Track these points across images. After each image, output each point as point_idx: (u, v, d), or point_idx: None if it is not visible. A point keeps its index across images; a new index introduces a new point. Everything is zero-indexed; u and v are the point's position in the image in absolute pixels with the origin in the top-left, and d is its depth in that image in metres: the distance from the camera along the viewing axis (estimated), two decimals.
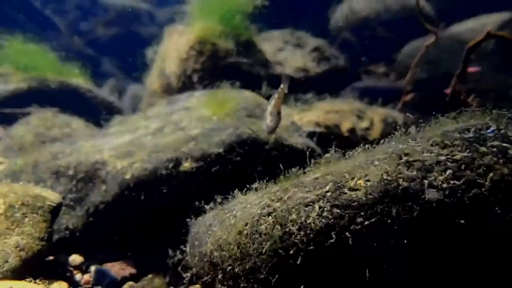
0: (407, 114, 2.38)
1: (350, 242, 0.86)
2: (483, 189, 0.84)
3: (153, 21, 7.06)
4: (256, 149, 1.54)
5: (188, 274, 1.21)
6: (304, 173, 1.12)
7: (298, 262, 0.89)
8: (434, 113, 1.16)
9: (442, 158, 0.89)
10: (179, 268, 1.27)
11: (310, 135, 1.82)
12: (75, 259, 1.46)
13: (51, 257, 1.43)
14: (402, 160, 0.91)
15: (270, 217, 0.97)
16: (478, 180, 0.85)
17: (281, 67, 2.76)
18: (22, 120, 2.40)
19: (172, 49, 2.57)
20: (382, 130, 1.93)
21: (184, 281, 1.23)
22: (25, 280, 1.19)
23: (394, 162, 0.91)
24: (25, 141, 2.12)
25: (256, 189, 1.18)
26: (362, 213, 0.87)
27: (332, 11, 4.64)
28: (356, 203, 0.88)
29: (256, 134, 1.56)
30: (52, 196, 1.40)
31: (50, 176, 1.63)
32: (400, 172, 0.89)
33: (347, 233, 0.86)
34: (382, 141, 1.08)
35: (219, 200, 1.25)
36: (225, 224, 1.09)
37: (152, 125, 1.76)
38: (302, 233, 0.90)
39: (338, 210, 0.89)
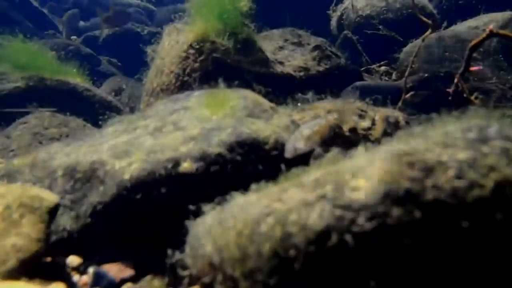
0: (409, 113, 2.37)
1: (350, 243, 0.85)
2: (486, 189, 0.83)
3: (152, 20, 7.06)
4: (256, 149, 1.53)
5: (187, 275, 1.19)
6: (305, 173, 1.10)
7: (298, 263, 0.88)
8: (436, 112, 1.14)
9: (444, 158, 0.88)
10: (178, 269, 1.26)
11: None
12: (73, 260, 1.45)
13: (48, 258, 1.42)
14: (404, 160, 0.90)
15: (270, 218, 0.96)
16: (480, 181, 0.84)
17: (281, 66, 2.75)
18: (20, 120, 2.40)
19: (171, 48, 2.56)
20: (384, 130, 1.92)
21: (183, 282, 1.22)
22: (23, 281, 1.18)
23: (395, 162, 0.90)
24: (22, 141, 2.11)
25: (256, 190, 1.16)
26: (363, 214, 0.86)
27: (333, 10, 4.63)
28: (357, 203, 0.87)
29: (256, 134, 1.55)
30: (50, 197, 1.39)
31: (47, 176, 1.61)
32: (401, 172, 0.87)
33: (347, 234, 0.85)
34: (383, 140, 1.07)
35: (218, 200, 1.24)
36: (225, 224, 1.07)
37: (151, 124, 1.74)
38: (302, 234, 0.89)
39: (338, 211, 0.87)
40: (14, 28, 3.32)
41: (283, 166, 1.18)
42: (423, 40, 2.45)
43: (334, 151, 1.11)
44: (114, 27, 5.56)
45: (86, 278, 1.39)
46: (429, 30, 2.36)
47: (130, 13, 5.66)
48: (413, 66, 2.52)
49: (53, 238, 1.46)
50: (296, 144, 1.27)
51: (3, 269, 1.19)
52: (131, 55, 4.88)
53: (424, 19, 2.36)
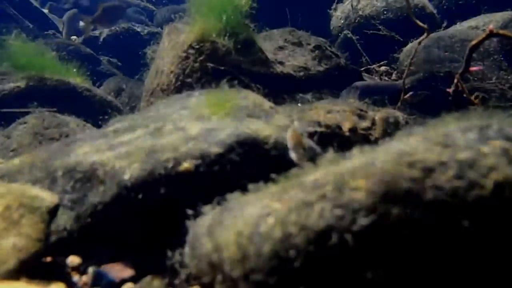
0: (409, 113, 2.37)
1: (350, 243, 0.85)
2: (486, 189, 0.83)
3: (152, 20, 7.06)
4: (256, 149, 1.53)
5: (185, 274, 1.19)
6: (305, 173, 1.10)
7: (298, 263, 0.88)
8: (436, 112, 1.14)
9: (444, 158, 0.88)
10: (178, 270, 1.26)
11: (311, 134, 1.81)
12: (73, 260, 1.45)
13: (48, 258, 1.42)
14: (404, 160, 0.90)
15: (270, 218, 0.96)
16: (480, 181, 0.84)
17: (281, 66, 2.75)
18: (20, 120, 2.40)
19: (171, 48, 2.56)
20: (384, 130, 1.92)
21: (182, 282, 1.22)
22: (23, 281, 1.18)
23: (395, 162, 0.90)
24: (23, 141, 2.11)
25: (256, 189, 1.16)
26: (363, 214, 0.86)
27: (333, 10, 4.63)
28: (357, 203, 0.87)
29: (256, 134, 1.55)
30: (50, 197, 1.39)
31: (47, 176, 1.61)
32: (401, 172, 0.87)
33: (347, 234, 0.85)
34: (383, 140, 1.07)
35: (218, 200, 1.24)
36: (225, 224, 1.07)
37: (151, 124, 1.74)
38: (302, 234, 0.89)
39: (339, 211, 0.87)
40: (14, 28, 3.33)
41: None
42: (419, 43, 2.45)
43: (333, 151, 1.11)
44: (106, 25, 5.50)
45: (86, 278, 1.39)
46: (425, 34, 2.36)
47: (123, 8, 5.57)
48: (410, 67, 2.52)
49: (53, 238, 1.46)
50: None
51: (3, 269, 1.19)
52: (131, 55, 4.87)
53: (419, 23, 2.35)
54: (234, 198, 1.19)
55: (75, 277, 1.40)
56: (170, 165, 1.45)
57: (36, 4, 6.32)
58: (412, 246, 0.83)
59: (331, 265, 0.87)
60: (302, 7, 4.53)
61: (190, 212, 1.29)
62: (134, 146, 1.58)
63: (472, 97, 2.09)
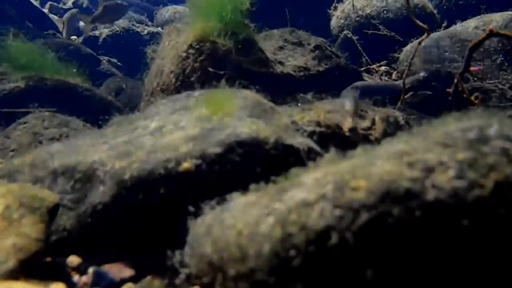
0: (409, 113, 2.37)
1: (351, 243, 0.85)
2: (486, 189, 0.83)
3: (152, 20, 7.06)
4: (256, 149, 1.53)
5: (185, 274, 1.19)
6: (305, 173, 1.10)
7: (298, 263, 0.88)
8: (436, 112, 1.14)
9: (444, 158, 0.88)
10: (178, 270, 1.26)
11: (311, 134, 1.81)
12: (73, 260, 1.45)
13: (48, 258, 1.42)
14: (404, 160, 0.90)
15: (270, 218, 0.96)
16: (480, 181, 0.84)
17: (281, 66, 2.75)
18: (20, 120, 2.39)
19: (171, 48, 2.57)
20: (384, 130, 1.91)
21: (182, 282, 1.22)
22: (22, 281, 1.18)
23: (395, 162, 0.90)
24: (22, 141, 2.11)
25: (255, 189, 1.16)
26: (363, 214, 0.86)
27: (333, 10, 4.63)
28: (357, 203, 0.87)
29: (256, 134, 1.55)
30: (50, 197, 1.39)
31: (47, 176, 1.61)
32: (401, 172, 0.87)
33: (348, 234, 0.85)
34: (383, 140, 1.07)
35: (218, 200, 1.23)
36: (225, 224, 1.08)
37: (151, 124, 1.74)
38: (302, 234, 0.89)
39: (339, 211, 0.87)
40: (14, 27, 3.33)
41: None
42: (419, 43, 2.45)
43: (334, 151, 1.11)
44: (107, 23, 5.50)
45: (86, 278, 1.39)
46: (425, 34, 2.36)
47: (125, 6, 5.55)
48: (410, 68, 2.52)
49: (53, 238, 1.46)
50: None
51: (3, 269, 1.19)
52: (131, 55, 4.88)
53: (420, 23, 2.35)
54: (234, 198, 1.19)
55: (75, 277, 1.40)
56: (170, 165, 1.45)
57: (36, 4, 6.32)
58: (412, 246, 0.83)
59: (331, 265, 0.87)
60: (302, 7, 4.53)
61: (190, 211, 1.29)
62: (134, 146, 1.58)
63: (472, 97, 2.09)
